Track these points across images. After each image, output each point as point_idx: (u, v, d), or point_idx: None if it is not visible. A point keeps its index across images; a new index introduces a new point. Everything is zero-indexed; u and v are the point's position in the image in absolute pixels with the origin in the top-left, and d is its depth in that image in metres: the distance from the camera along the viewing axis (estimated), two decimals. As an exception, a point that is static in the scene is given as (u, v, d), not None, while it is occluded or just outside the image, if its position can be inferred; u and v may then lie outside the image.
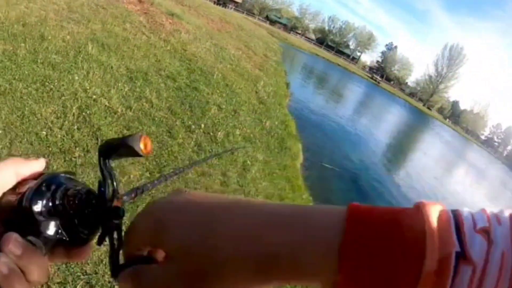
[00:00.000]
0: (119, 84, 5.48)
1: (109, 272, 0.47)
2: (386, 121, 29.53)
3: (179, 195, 0.40)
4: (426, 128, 48.45)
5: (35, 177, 0.44)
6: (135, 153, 0.39)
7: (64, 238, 0.41)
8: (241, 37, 20.66)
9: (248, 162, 5.42)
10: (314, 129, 12.11)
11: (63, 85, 4.72)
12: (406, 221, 0.32)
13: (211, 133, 5.60)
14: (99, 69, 5.65)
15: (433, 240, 0.29)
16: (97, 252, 2.60)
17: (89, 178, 3.47)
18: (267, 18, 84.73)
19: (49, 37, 5.87)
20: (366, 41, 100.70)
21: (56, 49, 5.62)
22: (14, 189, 0.42)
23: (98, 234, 0.42)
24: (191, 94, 6.68)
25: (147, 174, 3.86)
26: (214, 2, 62.24)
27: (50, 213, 0.40)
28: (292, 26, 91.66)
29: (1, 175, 0.41)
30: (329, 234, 0.32)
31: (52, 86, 4.58)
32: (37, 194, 0.40)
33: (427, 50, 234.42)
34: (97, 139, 4.03)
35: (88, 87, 4.94)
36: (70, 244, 0.42)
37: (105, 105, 4.77)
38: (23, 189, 0.41)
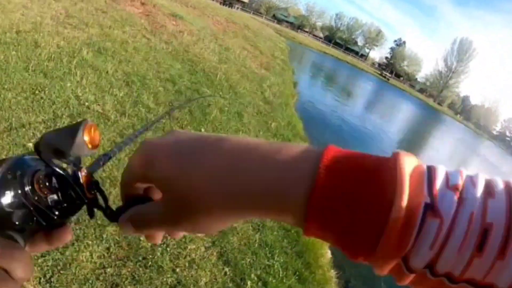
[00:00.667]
0: (114, 90, 5.24)
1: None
2: (396, 118, 29.20)
3: (170, 134, 0.41)
4: (437, 124, 47.95)
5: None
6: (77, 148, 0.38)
7: (41, 224, 0.39)
8: (247, 37, 20.45)
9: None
10: (323, 128, 11.86)
11: (54, 92, 4.49)
12: (380, 168, 0.32)
13: (212, 138, 5.34)
14: (93, 74, 5.42)
15: (402, 188, 0.30)
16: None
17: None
18: (274, 17, 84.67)
19: (43, 44, 5.66)
20: (375, 38, 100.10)
21: (50, 55, 5.39)
22: None
23: (76, 212, 0.42)
24: (191, 97, 6.43)
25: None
26: (220, 3, 62.32)
27: (21, 202, 0.38)
28: (299, 25, 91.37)
29: None
30: (302, 175, 0.33)
31: (42, 95, 4.36)
32: (2, 183, 0.37)
33: (436, 45, 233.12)
34: (87, 149, 3.80)
35: (80, 94, 4.71)
36: (48, 228, 0.40)
37: (98, 112, 4.53)
38: None
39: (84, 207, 0.42)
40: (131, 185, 0.42)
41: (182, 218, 0.37)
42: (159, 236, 0.45)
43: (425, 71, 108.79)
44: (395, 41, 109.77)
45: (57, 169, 0.39)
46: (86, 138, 0.39)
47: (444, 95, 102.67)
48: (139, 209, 0.40)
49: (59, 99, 4.41)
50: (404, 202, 0.29)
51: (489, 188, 0.31)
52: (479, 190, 0.31)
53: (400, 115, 33.86)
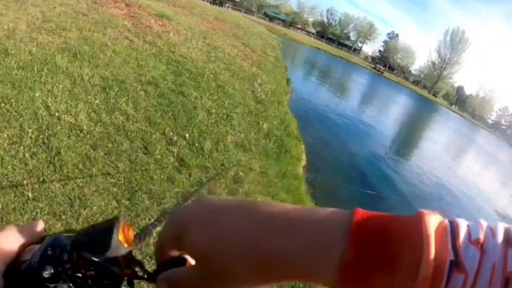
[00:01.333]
0: (89, 97, 4.85)
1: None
2: (392, 111, 28.88)
3: (198, 202, 0.43)
4: (433, 115, 47.67)
5: (38, 241, 0.42)
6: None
7: None
8: (237, 35, 20.09)
9: (241, 173, 4.77)
10: (318, 125, 11.50)
11: (22, 104, 4.11)
12: (406, 229, 0.33)
13: (197, 144, 4.90)
14: (67, 81, 5.03)
15: (429, 248, 0.31)
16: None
17: (43, 214, 2.87)
18: (265, 15, 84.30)
19: (13, 51, 5.27)
20: (367, 32, 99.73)
21: (20, 64, 5.00)
22: (18, 257, 0.41)
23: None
24: (176, 100, 6.00)
25: (114, 203, 3.23)
26: (211, 2, 62.02)
27: (61, 278, 0.38)
28: (291, 21, 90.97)
29: (2, 245, 0.40)
30: (332, 240, 0.34)
31: (9, 107, 3.97)
32: (43, 259, 0.38)
33: (429, 37, 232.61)
34: (54, 166, 3.40)
35: (51, 104, 4.31)
36: None
37: (70, 123, 4.14)
38: (28, 256, 0.40)
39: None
40: (165, 253, 0.43)
41: (217, 284, 0.38)
42: None
43: (419, 63, 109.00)
44: (388, 34, 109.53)
45: (94, 258, 0.39)
46: (121, 238, 0.39)
47: (438, 86, 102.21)
48: (175, 272, 0.42)
49: (27, 111, 4.03)
50: (431, 261, 0.31)
51: (508, 237, 0.32)
52: (499, 240, 0.32)
53: (395, 107, 33.55)
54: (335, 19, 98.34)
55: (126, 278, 0.42)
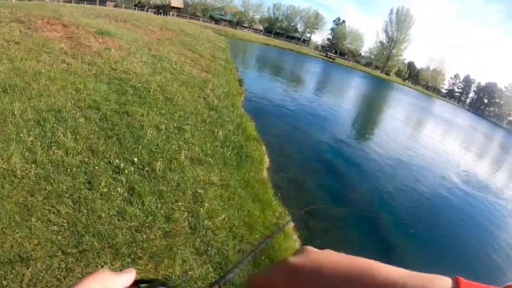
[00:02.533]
0: (22, 135, 4.38)
1: None
2: (348, 95, 29.16)
3: (305, 254, 0.42)
4: (388, 93, 48.68)
5: None
6: None
7: None
8: (184, 42, 19.72)
9: (199, 190, 4.43)
10: (277, 122, 11.27)
11: None
12: None
13: (147, 167, 4.51)
14: (-5, 120, 4.56)
15: None
16: None
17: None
18: (211, 18, 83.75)
19: None
20: (314, 22, 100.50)
21: None
22: None
23: None
24: (120, 121, 5.58)
25: (60, 255, 2.84)
26: (154, 12, 61.14)
27: None
28: (238, 21, 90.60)
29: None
30: None
31: None
32: None
33: (375, 18, 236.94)
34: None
35: (-25, 150, 3.87)
36: None
37: (2, 169, 3.69)
38: None
39: None
40: None
41: None
42: None
43: (368, 45, 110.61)
44: (334, 21, 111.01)
45: None
46: None
47: (390, 65, 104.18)
48: None
49: None
50: None
51: None
52: None
53: (350, 91, 33.93)
54: (281, 14, 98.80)
55: None
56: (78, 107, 5.66)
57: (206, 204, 4.17)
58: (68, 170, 3.97)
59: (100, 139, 4.85)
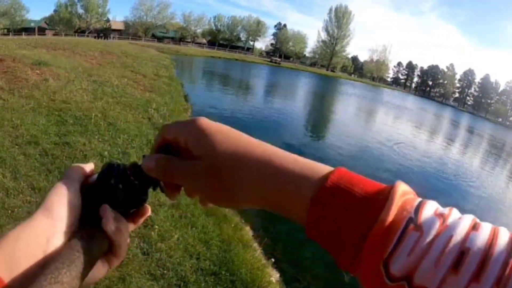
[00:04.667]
0: (-46, 180, 4.24)
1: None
2: (297, 97, 29.57)
3: (222, 126, 0.49)
4: (335, 89, 49.78)
5: (92, 174, 0.55)
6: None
7: (131, 203, 0.53)
8: (126, 64, 19.50)
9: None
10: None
11: None
12: (378, 191, 0.37)
13: (92, 196, 4.46)
14: None
15: (392, 202, 0.35)
16: None
17: None
18: (153, 36, 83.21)
19: None
20: (256, 29, 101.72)
21: None
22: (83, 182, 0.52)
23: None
24: (61, 154, 5.44)
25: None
26: (95, 37, 60.15)
27: (120, 184, 0.50)
28: (181, 37, 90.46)
29: (76, 173, 0.52)
30: (308, 185, 0.40)
31: None
32: (107, 173, 0.51)
33: (316, 19, 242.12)
34: None
35: None
36: (135, 207, 0.54)
37: None
38: (90, 181, 0.53)
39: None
40: (169, 139, 0.49)
41: (212, 179, 0.45)
42: (177, 192, 0.53)
43: (311, 46, 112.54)
44: (276, 26, 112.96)
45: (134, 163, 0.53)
46: None
47: (334, 62, 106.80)
48: (168, 158, 0.48)
49: None
50: (390, 212, 0.34)
51: (475, 224, 0.34)
52: (465, 223, 0.34)
53: (298, 91, 34.46)
54: (222, 25, 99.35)
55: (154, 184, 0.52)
56: (16, 144, 5.49)
57: (157, 227, 4.14)
58: (10, 212, 3.84)
59: (41, 175, 4.71)
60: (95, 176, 0.53)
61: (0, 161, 4.86)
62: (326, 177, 0.39)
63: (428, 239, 0.32)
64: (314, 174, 0.41)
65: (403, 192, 0.36)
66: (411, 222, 0.33)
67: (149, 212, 0.57)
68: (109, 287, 3.09)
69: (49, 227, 0.44)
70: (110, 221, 0.47)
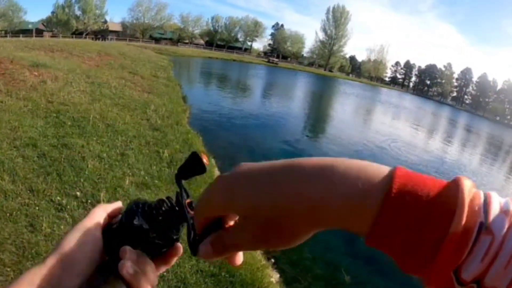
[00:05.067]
0: (-47, 183, 4.22)
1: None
2: (295, 97, 29.64)
3: (239, 167, 0.45)
4: (333, 89, 49.85)
5: (118, 213, 0.56)
6: (201, 168, 0.51)
7: (159, 242, 0.51)
8: (124, 65, 19.48)
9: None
10: (225, 133, 11.32)
11: None
12: (444, 191, 0.36)
13: (91, 199, 4.42)
14: None
15: (462, 208, 0.34)
16: None
17: None
18: (151, 37, 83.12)
19: None
20: (253, 29, 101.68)
21: None
22: (107, 223, 0.54)
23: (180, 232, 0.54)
24: (59, 156, 5.43)
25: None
26: (93, 38, 60.07)
27: (145, 225, 0.50)
28: (179, 38, 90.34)
29: (99, 214, 0.53)
30: (374, 194, 0.37)
31: None
32: (131, 212, 0.51)
33: (314, 19, 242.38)
34: None
35: None
36: (164, 247, 0.53)
37: None
38: (114, 221, 0.54)
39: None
40: (210, 216, 0.47)
41: (270, 236, 0.42)
42: (240, 257, 0.50)
43: (309, 46, 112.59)
44: (273, 26, 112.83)
45: (164, 199, 0.55)
46: (205, 159, 0.51)
47: (332, 62, 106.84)
48: (220, 235, 0.46)
49: None
50: (463, 219, 0.34)
51: None
52: None
53: (296, 91, 34.61)
54: (220, 26, 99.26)
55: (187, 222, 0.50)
56: (14, 147, 5.48)
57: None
58: (8, 215, 3.84)
59: (39, 177, 4.71)
60: (119, 216, 0.54)
61: (-1, 164, 4.85)
62: (389, 183, 0.37)
63: (499, 241, 0.33)
64: (372, 177, 0.38)
65: (469, 190, 0.36)
66: (482, 227, 0.33)
67: (181, 252, 0.55)
68: None
69: (61, 272, 0.44)
70: (127, 264, 0.45)
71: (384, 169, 0.39)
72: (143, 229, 0.49)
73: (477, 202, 0.35)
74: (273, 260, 4.52)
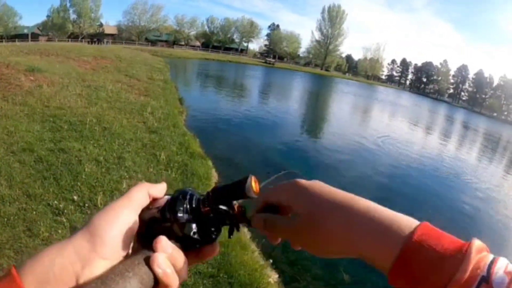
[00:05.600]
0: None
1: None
2: (292, 97, 29.62)
3: (315, 181, 0.56)
4: (331, 88, 49.89)
5: (162, 197, 0.53)
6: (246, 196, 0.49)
7: (198, 238, 0.49)
8: (120, 68, 19.46)
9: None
10: (223, 134, 11.31)
11: None
12: (456, 246, 0.42)
13: (88, 203, 4.43)
14: None
15: (468, 262, 0.39)
16: None
17: None
18: (147, 40, 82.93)
19: None
20: (249, 30, 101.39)
21: None
22: (147, 206, 0.51)
23: (221, 231, 0.53)
24: (56, 160, 5.45)
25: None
26: (88, 42, 59.91)
27: (188, 218, 0.48)
28: (174, 40, 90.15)
29: (139, 195, 0.50)
30: (396, 240, 0.44)
31: None
32: (176, 202, 0.49)
33: (309, 19, 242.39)
34: None
35: None
36: (202, 243, 0.51)
37: None
38: (156, 205, 0.51)
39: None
40: (274, 200, 0.57)
41: (305, 232, 0.52)
42: (278, 239, 0.58)
43: (305, 46, 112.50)
44: (269, 27, 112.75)
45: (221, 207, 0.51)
46: (254, 186, 0.49)
47: (328, 61, 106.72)
48: (275, 217, 0.56)
49: None
50: (468, 270, 0.38)
51: None
52: None
53: (293, 91, 34.56)
54: (216, 27, 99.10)
55: (231, 223, 0.53)
56: (11, 152, 5.49)
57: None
58: (6, 220, 3.84)
59: (36, 182, 4.71)
60: (165, 198, 0.52)
61: (-5, 169, 4.85)
62: (412, 232, 0.44)
63: None
64: (401, 227, 0.45)
65: (478, 250, 0.41)
66: (483, 281, 0.37)
67: (217, 252, 0.54)
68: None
69: (88, 252, 0.41)
70: (160, 258, 0.43)
71: (413, 221, 0.46)
72: (185, 223, 0.48)
73: (484, 260, 0.40)
74: (271, 261, 4.52)
